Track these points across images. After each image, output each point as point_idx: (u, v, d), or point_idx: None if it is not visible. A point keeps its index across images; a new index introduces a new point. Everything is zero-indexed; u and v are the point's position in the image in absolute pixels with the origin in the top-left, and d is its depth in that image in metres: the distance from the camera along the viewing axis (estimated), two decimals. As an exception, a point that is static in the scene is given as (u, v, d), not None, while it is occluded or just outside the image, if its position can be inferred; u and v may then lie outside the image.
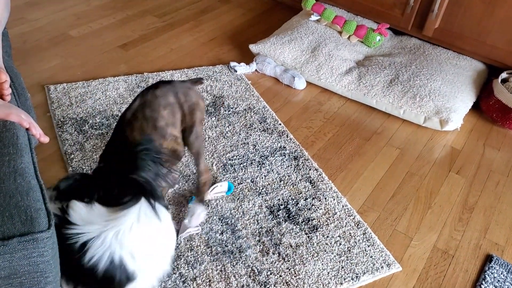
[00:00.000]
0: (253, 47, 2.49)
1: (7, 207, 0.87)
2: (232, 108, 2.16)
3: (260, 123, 2.09)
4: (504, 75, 2.39)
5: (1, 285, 0.83)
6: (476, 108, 2.39)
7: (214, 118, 2.08)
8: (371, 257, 1.59)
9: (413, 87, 2.24)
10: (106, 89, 2.14)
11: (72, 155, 1.79)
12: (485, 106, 2.36)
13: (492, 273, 1.60)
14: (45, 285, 0.88)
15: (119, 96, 2.12)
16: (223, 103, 2.17)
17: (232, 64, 2.41)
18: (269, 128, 2.07)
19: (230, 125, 2.06)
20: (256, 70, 2.44)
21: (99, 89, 2.13)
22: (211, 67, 2.41)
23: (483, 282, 1.57)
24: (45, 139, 1.18)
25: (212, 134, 2.00)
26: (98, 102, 2.06)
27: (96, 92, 2.12)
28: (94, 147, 1.83)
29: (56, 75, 2.21)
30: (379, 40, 2.57)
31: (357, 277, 1.52)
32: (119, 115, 2.00)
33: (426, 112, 2.18)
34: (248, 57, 2.51)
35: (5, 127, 1.05)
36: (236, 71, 2.38)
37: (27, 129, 1.11)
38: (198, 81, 1.67)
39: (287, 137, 2.04)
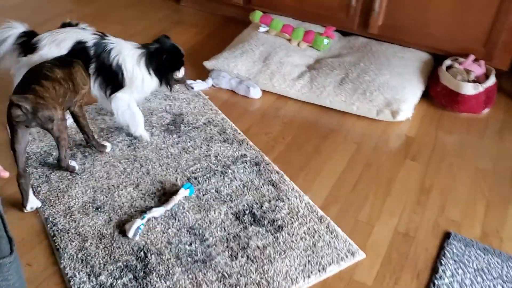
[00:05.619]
0: (207, 63, 2.57)
1: (-35, 237, 0.91)
2: (192, 123, 2.22)
3: (220, 135, 2.16)
4: (448, 62, 2.51)
5: (-35, 311, 0.86)
6: (426, 96, 2.50)
7: (175, 135, 2.14)
8: (336, 248, 1.66)
9: (363, 83, 2.34)
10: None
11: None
12: (434, 93, 2.48)
13: (451, 249, 1.68)
14: (10, 307, 0.92)
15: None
16: (183, 120, 2.24)
17: (189, 82, 2.48)
18: (229, 139, 2.14)
19: (191, 140, 2.12)
20: (212, 85, 2.51)
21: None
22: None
23: (443, 258, 1.65)
24: (5, 174, 1.22)
25: (174, 150, 2.05)
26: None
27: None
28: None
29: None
30: (327, 43, 2.67)
31: (323, 268, 1.58)
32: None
33: (377, 105, 2.28)
34: (204, 74, 2.57)
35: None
36: (193, 88, 2.45)
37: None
38: None
39: (247, 144, 2.11)
